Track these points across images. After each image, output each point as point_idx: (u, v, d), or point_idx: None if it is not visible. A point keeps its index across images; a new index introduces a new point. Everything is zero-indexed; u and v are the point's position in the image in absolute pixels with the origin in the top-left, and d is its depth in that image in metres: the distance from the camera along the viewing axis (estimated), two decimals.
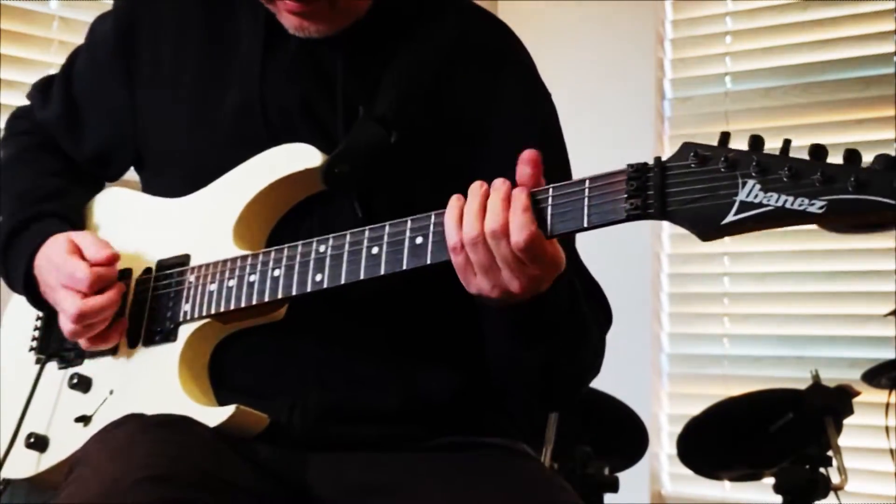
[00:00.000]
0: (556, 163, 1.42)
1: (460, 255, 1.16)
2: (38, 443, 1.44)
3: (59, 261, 1.40)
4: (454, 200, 1.18)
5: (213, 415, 1.31)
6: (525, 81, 1.46)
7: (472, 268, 1.17)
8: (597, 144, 3.43)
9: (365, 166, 1.33)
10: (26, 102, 1.68)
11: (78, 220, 1.52)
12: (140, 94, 1.51)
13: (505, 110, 1.41)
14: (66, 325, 1.39)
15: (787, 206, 1.01)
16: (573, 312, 1.28)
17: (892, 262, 2.99)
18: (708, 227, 1.05)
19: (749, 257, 3.38)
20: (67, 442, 1.40)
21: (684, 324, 3.48)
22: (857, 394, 2.56)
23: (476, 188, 1.18)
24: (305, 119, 1.39)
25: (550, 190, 1.15)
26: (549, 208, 1.15)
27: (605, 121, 3.47)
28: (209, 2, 1.50)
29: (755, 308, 3.37)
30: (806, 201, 1.00)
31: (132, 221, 1.50)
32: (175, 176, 1.46)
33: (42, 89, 1.65)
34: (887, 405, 2.60)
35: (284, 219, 1.39)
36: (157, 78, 1.49)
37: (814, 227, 2.97)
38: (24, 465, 1.45)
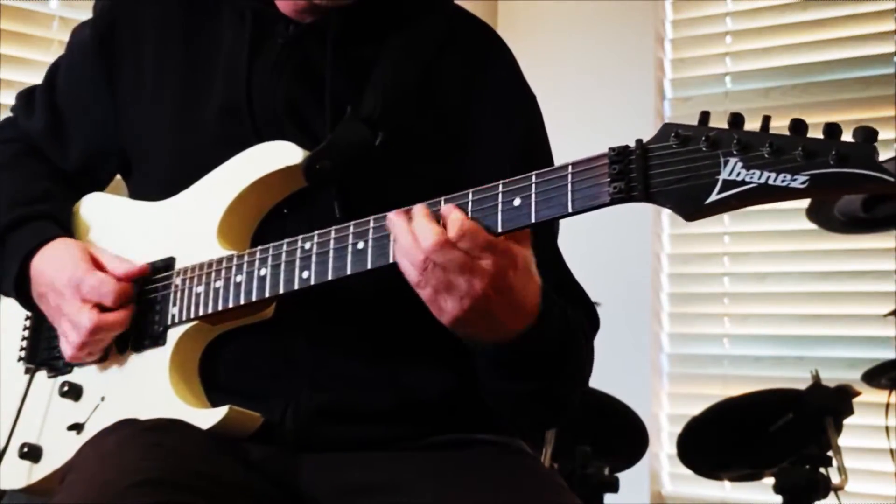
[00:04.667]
0: (538, 164, 1.43)
1: (427, 288, 1.16)
2: (32, 453, 1.44)
3: (79, 273, 1.38)
4: (394, 247, 1.19)
5: (207, 416, 1.30)
6: (508, 86, 1.45)
7: (440, 294, 1.16)
8: (597, 144, 3.43)
9: (347, 163, 1.33)
10: (10, 114, 1.67)
11: (68, 223, 1.52)
12: (122, 98, 1.50)
13: (489, 112, 1.40)
14: (74, 338, 1.37)
15: (770, 182, 1.01)
16: (563, 344, 1.27)
17: (892, 262, 2.99)
18: (692, 206, 1.05)
19: (749, 257, 3.38)
20: (61, 451, 1.39)
21: (684, 324, 3.48)
22: (857, 394, 2.56)
23: (398, 223, 1.19)
24: (290, 119, 1.39)
25: (534, 177, 1.15)
26: (533, 196, 1.14)
27: (604, 121, 3.47)
28: (190, 2, 1.49)
29: (755, 308, 3.37)
30: (788, 177, 1.00)
31: (116, 226, 1.49)
32: (161, 178, 1.46)
33: (25, 100, 1.64)
34: (887, 405, 2.60)
35: (268, 218, 1.38)
36: (140, 81, 1.49)
37: (814, 226, 2.97)
38: (17, 475, 1.45)
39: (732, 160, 1.03)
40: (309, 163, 1.32)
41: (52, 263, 1.42)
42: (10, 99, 1.69)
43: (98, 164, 1.57)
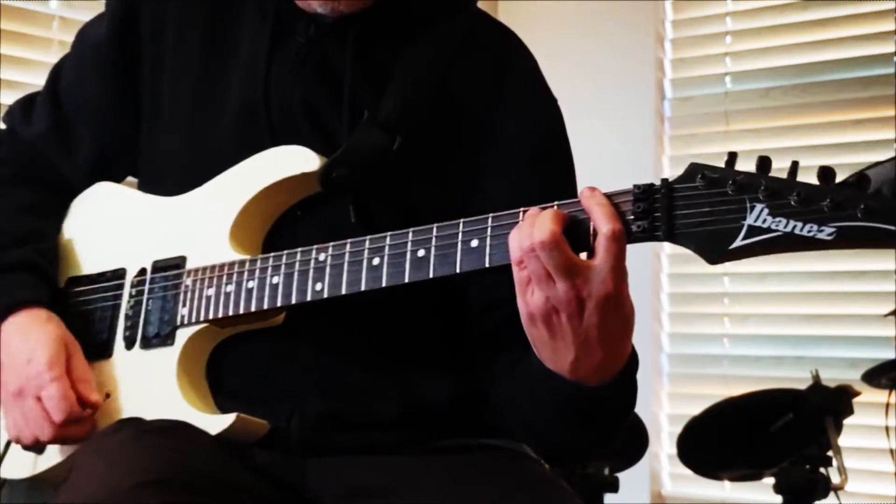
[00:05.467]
0: (557, 172, 1.40)
1: (523, 272, 1.11)
2: (36, 444, 1.43)
3: (49, 376, 1.33)
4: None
5: (213, 423, 1.30)
6: (529, 88, 1.42)
7: (531, 285, 1.11)
8: (597, 144, 3.43)
9: (364, 170, 1.31)
10: (2, 126, 1.61)
11: (50, 268, 1.47)
12: (141, 93, 1.49)
13: (506, 118, 1.38)
14: (26, 436, 1.35)
15: (797, 231, 1.00)
16: (628, 407, 1.24)
17: (892, 262, 2.99)
18: (715, 250, 1.04)
19: None
20: (64, 444, 1.39)
21: (684, 324, 3.48)
22: (857, 394, 2.56)
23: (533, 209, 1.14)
24: (307, 120, 1.37)
25: (555, 206, 1.13)
26: None
27: (605, 121, 3.47)
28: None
29: (755, 308, 3.37)
30: (815, 227, 1.00)
31: (125, 218, 1.48)
32: (175, 175, 1.45)
33: (24, 107, 1.58)
34: (887, 405, 2.60)
35: (282, 221, 1.37)
36: (159, 76, 1.47)
37: None
38: (21, 465, 1.45)
39: (759, 206, 1.02)
40: (325, 170, 1.31)
41: (21, 340, 1.36)
42: (10, 99, 1.67)
43: (110, 163, 1.54)
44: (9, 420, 1.38)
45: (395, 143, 1.32)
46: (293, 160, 1.34)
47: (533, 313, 1.12)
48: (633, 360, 1.18)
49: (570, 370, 1.14)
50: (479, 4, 1.50)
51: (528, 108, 1.40)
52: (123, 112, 1.50)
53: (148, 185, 1.50)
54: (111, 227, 1.50)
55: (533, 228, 1.09)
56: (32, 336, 1.37)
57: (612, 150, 3.41)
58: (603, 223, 1.08)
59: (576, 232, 1.11)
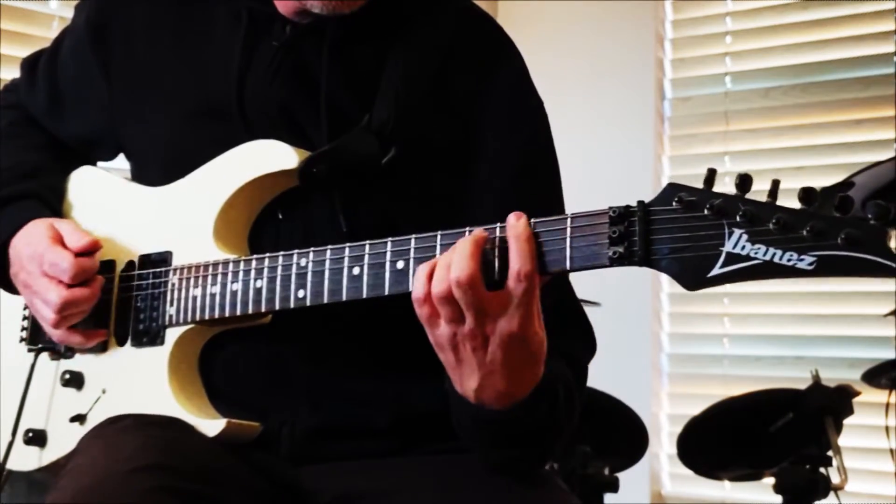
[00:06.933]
0: (540, 186, 1.38)
1: (424, 307, 1.12)
2: (37, 438, 1.45)
3: (41, 248, 1.37)
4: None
5: (205, 427, 1.31)
6: (512, 98, 1.39)
7: (439, 316, 1.12)
8: (597, 144, 3.44)
9: (345, 172, 1.30)
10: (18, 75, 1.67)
11: (55, 200, 1.51)
12: (116, 89, 1.49)
13: (491, 124, 1.36)
14: (47, 313, 1.37)
15: (776, 260, 0.98)
16: (545, 428, 1.23)
17: None
18: (693, 278, 1.02)
19: None
20: (65, 440, 1.40)
21: (684, 324, 3.49)
22: (857, 394, 2.56)
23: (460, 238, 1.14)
24: (284, 125, 1.36)
25: (532, 223, 1.11)
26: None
27: (605, 121, 3.48)
28: (183, 1, 1.46)
29: (755, 308, 3.37)
30: (795, 256, 0.97)
31: (111, 207, 1.49)
32: (155, 171, 1.45)
33: (30, 67, 1.63)
34: (887, 405, 2.60)
35: (264, 222, 1.36)
36: (132, 74, 1.47)
37: None
38: (26, 459, 1.46)
39: (737, 232, 0.99)
40: (305, 165, 1.30)
41: (24, 242, 1.41)
42: None
43: (97, 142, 1.57)
44: (35, 312, 1.41)
45: (386, 155, 1.31)
46: (273, 156, 1.33)
47: (440, 343, 1.14)
48: (543, 385, 1.17)
49: (473, 395, 1.16)
50: (479, 4, 1.48)
51: (511, 121, 1.37)
52: (104, 102, 1.51)
53: (136, 173, 1.51)
54: (97, 217, 1.50)
55: (450, 263, 1.09)
56: (29, 235, 1.41)
57: (613, 150, 3.41)
58: (514, 260, 1.08)
59: (495, 260, 1.11)
